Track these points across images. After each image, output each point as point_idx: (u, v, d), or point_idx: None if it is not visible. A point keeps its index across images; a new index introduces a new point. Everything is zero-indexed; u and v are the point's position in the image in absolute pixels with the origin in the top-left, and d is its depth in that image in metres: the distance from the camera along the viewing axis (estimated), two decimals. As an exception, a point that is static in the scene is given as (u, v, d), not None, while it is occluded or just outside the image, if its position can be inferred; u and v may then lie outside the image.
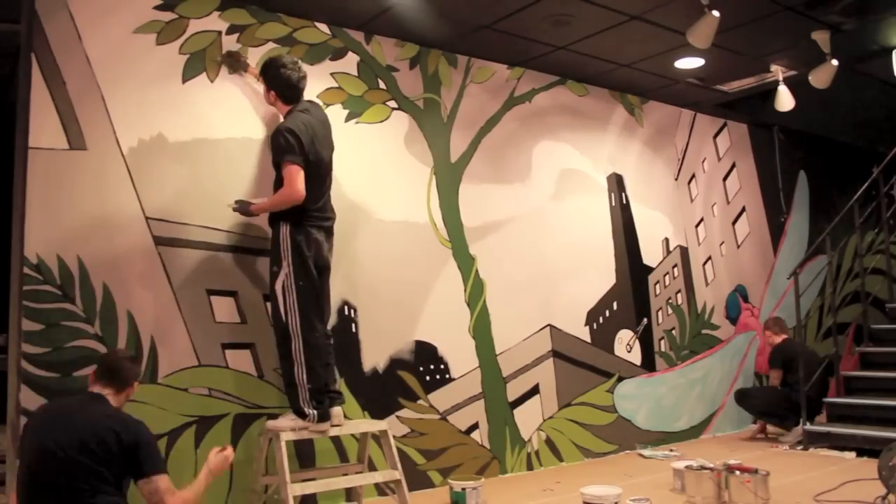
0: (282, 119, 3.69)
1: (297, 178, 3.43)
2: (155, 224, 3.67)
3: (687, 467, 4.01)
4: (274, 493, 3.62)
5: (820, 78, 4.94)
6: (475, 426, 4.69)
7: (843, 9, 4.38)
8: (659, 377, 5.71)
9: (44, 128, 3.41)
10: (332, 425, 3.57)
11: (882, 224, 6.23)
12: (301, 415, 3.47)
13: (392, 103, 4.60)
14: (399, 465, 3.63)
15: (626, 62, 5.21)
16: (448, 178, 4.79)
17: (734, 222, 6.59)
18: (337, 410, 3.60)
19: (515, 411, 4.90)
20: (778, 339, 5.88)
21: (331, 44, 4.37)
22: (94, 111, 3.55)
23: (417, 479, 4.30)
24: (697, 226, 6.28)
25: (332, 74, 4.36)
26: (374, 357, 4.32)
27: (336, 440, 4.06)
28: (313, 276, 3.51)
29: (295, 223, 3.49)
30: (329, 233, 3.67)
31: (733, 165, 6.63)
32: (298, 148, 3.44)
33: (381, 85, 4.56)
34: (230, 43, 3.98)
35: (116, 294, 3.52)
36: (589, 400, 5.30)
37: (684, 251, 6.14)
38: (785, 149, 7.03)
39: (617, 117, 5.81)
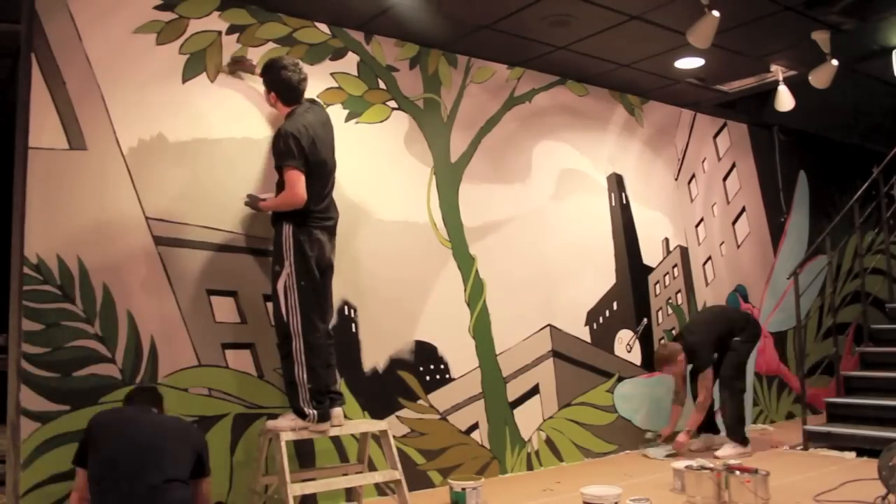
0: (283, 120, 3.69)
1: (297, 183, 3.44)
2: (155, 224, 3.67)
3: (687, 467, 4.01)
4: (274, 493, 3.62)
5: (820, 78, 4.94)
6: (475, 426, 4.69)
7: (843, 9, 4.38)
8: (659, 377, 5.70)
9: (44, 128, 3.41)
10: (333, 426, 3.57)
11: (882, 224, 6.23)
12: (301, 415, 3.47)
13: (392, 103, 4.60)
14: (399, 465, 3.62)
15: (626, 62, 5.21)
16: (448, 178, 4.79)
17: (734, 222, 6.59)
18: (337, 411, 3.60)
19: (515, 411, 4.90)
20: (681, 359, 5.22)
21: (331, 44, 4.38)
22: (94, 111, 3.55)
23: (417, 479, 4.30)
24: (697, 226, 6.28)
25: (332, 74, 4.36)
26: (374, 357, 4.32)
27: (336, 440, 4.06)
28: (315, 277, 3.52)
29: (298, 223, 3.50)
30: (332, 232, 3.68)
31: (733, 165, 6.63)
32: (298, 152, 3.45)
33: (381, 85, 4.56)
34: (230, 43, 3.99)
35: (116, 294, 3.52)
36: (589, 400, 5.30)
37: (684, 251, 6.14)
38: (785, 149, 7.03)
39: (617, 117, 5.81)
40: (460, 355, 4.68)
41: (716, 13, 4.12)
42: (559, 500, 4.09)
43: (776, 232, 6.91)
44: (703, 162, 6.39)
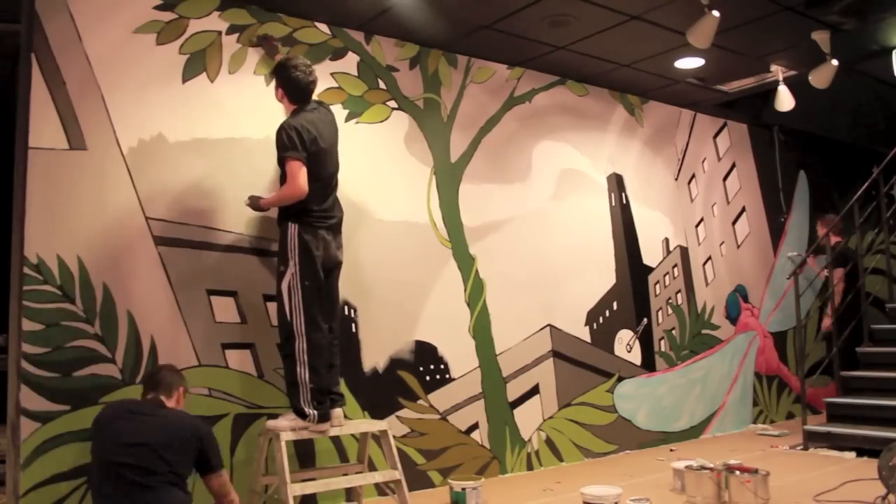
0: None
1: (299, 174, 3.44)
2: (155, 224, 3.67)
3: (687, 467, 4.01)
4: (274, 493, 3.62)
5: (820, 78, 4.94)
6: (475, 426, 4.69)
7: (843, 9, 4.38)
8: (659, 377, 5.71)
9: (44, 128, 3.41)
10: (333, 426, 3.57)
11: (882, 224, 6.22)
12: (301, 415, 3.47)
13: (392, 103, 4.60)
14: (399, 465, 3.62)
15: (626, 62, 5.21)
16: (448, 178, 4.79)
17: (734, 222, 6.59)
18: (338, 412, 3.60)
19: (515, 411, 4.90)
20: None
21: (331, 44, 4.38)
22: (94, 111, 3.55)
23: (417, 479, 4.30)
24: (697, 226, 6.28)
25: (332, 74, 4.36)
26: (374, 357, 4.32)
27: (336, 440, 4.06)
28: (319, 277, 3.52)
29: (303, 223, 3.51)
30: (336, 231, 3.68)
31: (733, 165, 6.63)
32: (300, 144, 3.46)
33: (381, 85, 4.56)
34: (230, 43, 3.99)
35: (116, 294, 3.52)
36: (589, 400, 5.30)
37: (684, 251, 6.14)
38: (785, 149, 7.03)
39: (617, 117, 5.81)
40: (460, 355, 4.68)
41: (716, 13, 4.12)
42: (559, 500, 4.09)
43: (776, 232, 6.92)
44: (703, 162, 6.39)
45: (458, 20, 4.42)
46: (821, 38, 4.73)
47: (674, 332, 5.91)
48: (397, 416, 4.35)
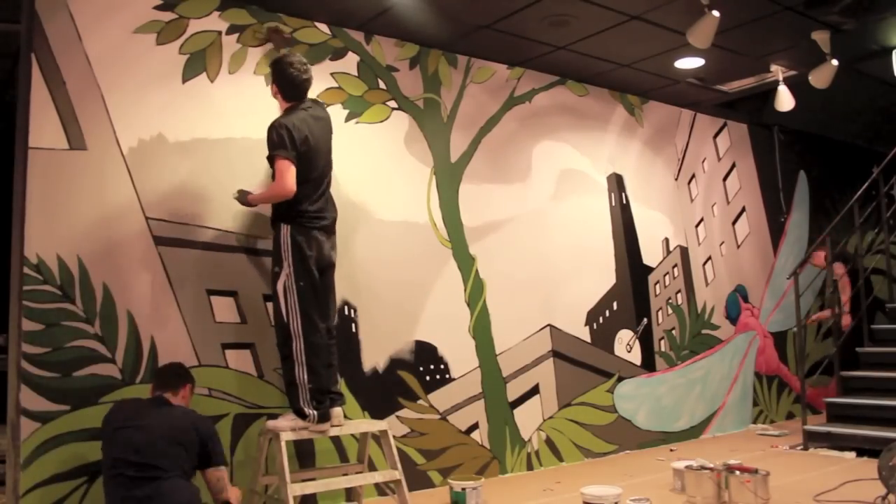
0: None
1: (286, 173, 3.44)
2: (155, 224, 3.67)
3: (687, 467, 4.01)
4: (274, 493, 3.62)
5: (820, 78, 4.94)
6: (475, 426, 4.69)
7: (843, 9, 4.38)
8: (659, 377, 5.71)
9: (44, 128, 3.41)
10: (332, 426, 3.57)
11: (882, 224, 6.22)
12: (301, 415, 3.47)
13: (392, 103, 4.60)
14: (399, 465, 3.62)
15: (626, 62, 5.21)
16: (448, 178, 4.79)
17: (734, 222, 6.59)
18: (337, 411, 3.59)
19: (515, 411, 4.90)
20: None
21: (331, 44, 4.37)
22: (94, 111, 3.55)
23: (417, 479, 4.30)
24: (697, 226, 6.28)
25: (332, 74, 4.36)
26: (374, 357, 4.32)
27: (336, 440, 4.06)
28: (314, 277, 3.52)
29: (295, 224, 3.50)
30: (330, 231, 3.67)
31: (733, 165, 6.63)
32: (290, 143, 3.45)
33: (381, 85, 4.56)
34: (230, 43, 3.99)
35: (116, 294, 3.52)
36: (589, 400, 5.30)
37: (684, 251, 6.14)
38: (785, 149, 7.03)
39: (617, 117, 5.81)
40: (460, 355, 4.67)
41: (716, 13, 4.12)
42: (559, 500, 4.09)
43: (776, 232, 6.92)
44: (703, 162, 6.39)
45: (458, 20, 4.42)
46: (821, 38, 4.73)
47: (674, 332, 5.92)
48: (397, 416, 4.35)
